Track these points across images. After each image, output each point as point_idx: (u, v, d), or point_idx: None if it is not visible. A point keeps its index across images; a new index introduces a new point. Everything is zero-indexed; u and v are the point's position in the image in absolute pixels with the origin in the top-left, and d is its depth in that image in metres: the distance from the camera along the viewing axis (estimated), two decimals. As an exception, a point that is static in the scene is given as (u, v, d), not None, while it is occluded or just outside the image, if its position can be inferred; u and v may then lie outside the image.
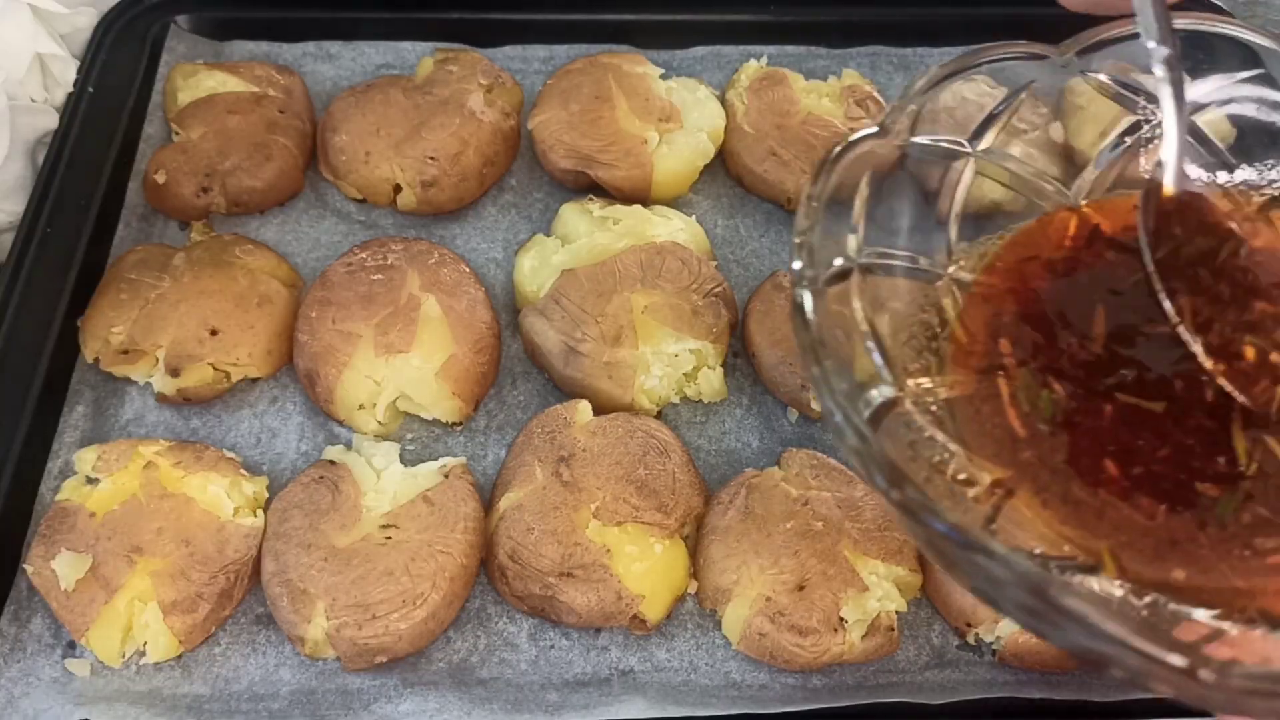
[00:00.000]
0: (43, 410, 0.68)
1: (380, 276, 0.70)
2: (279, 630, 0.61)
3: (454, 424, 0.70)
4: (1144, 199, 0.54)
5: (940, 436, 0.48)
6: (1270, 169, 0.59)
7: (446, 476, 0.64)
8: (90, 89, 0.82)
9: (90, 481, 0.63)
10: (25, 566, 0.61)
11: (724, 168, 0.83)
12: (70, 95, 0.81)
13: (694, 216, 0.77)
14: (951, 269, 0.55)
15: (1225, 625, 0.41)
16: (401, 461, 0.66)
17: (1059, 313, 0.52)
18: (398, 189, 0.78)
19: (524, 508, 0.62)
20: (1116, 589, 0.43)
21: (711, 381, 0.70)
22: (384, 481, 0.64)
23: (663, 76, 0.83)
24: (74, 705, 0.58)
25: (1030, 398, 0.49)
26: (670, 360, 0.68)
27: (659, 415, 0.70)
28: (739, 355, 0.74)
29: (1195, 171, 0.59)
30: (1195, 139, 0.59)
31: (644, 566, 0.60)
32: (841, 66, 0.88)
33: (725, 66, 0.88)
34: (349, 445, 0.67)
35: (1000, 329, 0.53)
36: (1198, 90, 0.59)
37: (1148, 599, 0.42)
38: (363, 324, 0.67)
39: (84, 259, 0.74)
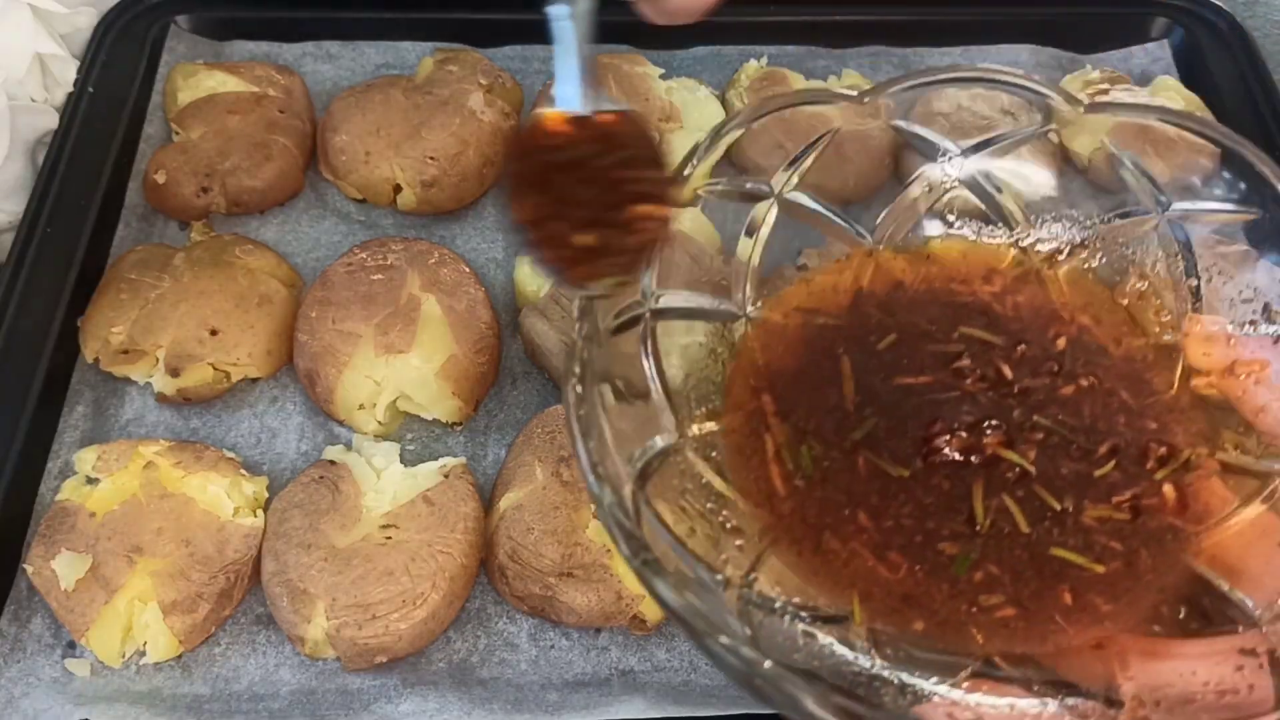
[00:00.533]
0: (43, 410, 0.68)
1: (380, 276, 0.70)
2: (279, 630, 0.61)
3: (454, 424, 0.70)
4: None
5: (716, 483, 0.49)
6: (1054, 223, 0.59)
7: (446, 476, 0.64)
8: (90, 89, 0.82)
9: (90, 481, 0.63)
10: (25, 566, 0.61)
11: (724, 168, 0.83)
12: (70, 95, 0.81)
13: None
14: (750, 309, 0.56)
15: (936, 688, 0.42)
16: (401, 461, 0.66)
17: (821, 366, 0.54)
18: (398, 189, 0.78)
19: (524, 508, 0.62)
20: (855, 648, 0.43)
21: (711, 381, 0.70)
22: (384, 481, 0.64)
23: (663, 76, 0.83)
24: (74, 705, 0.58)
25: (792, 454, 0.50)
26: (670, 360, 0.68)
27: (659, 415, 0.70)
28: (739, 355, 0.74)
29: (978, 226, 0.60)
30: (995, 190, 0.60)
31: (644, 566, 0.60)
32: (841, 66, 0.88)
33: (725, 66, 0.88)
34: (349, 445, 0.67)
35: (768, 379, 0.54)
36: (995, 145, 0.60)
37: (869, 664, 0.43)
38: (363, 324, 0.67)
39: (84, 259, 0.74)
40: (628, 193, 0.47)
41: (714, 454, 0.50)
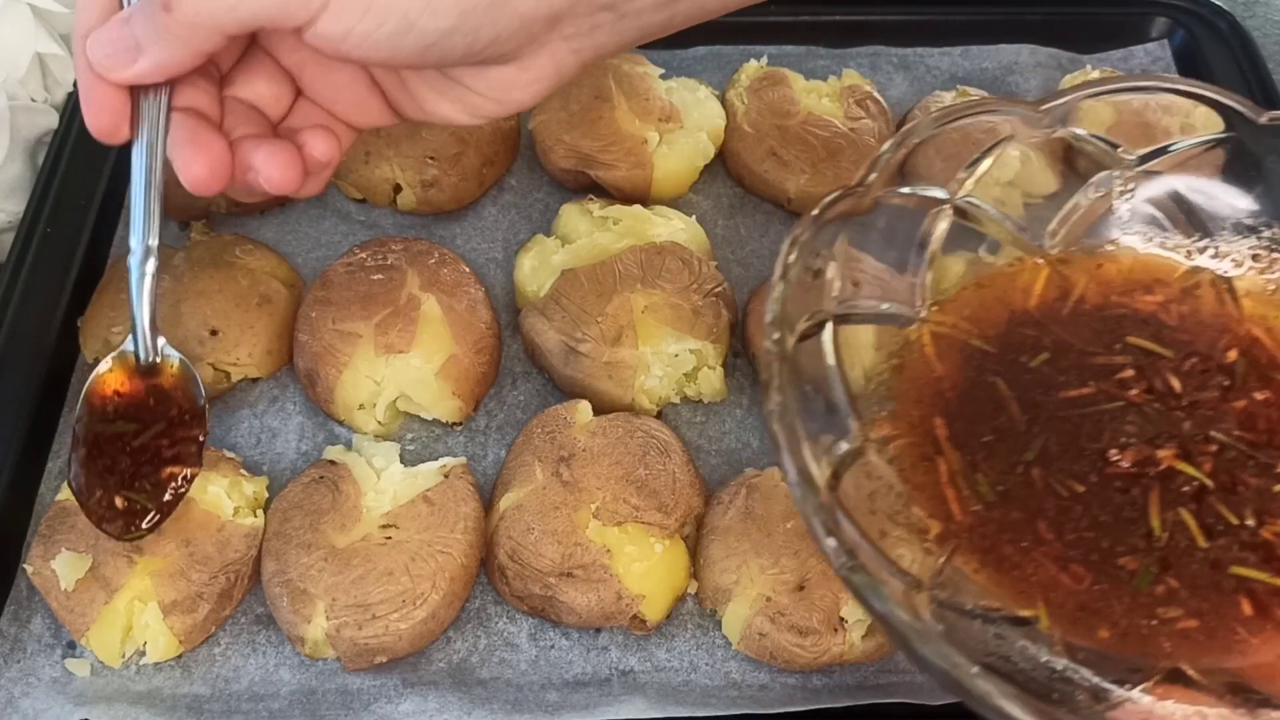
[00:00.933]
0: (43, 410, 0.68)
1: (380, 276, 0.70)
2: (279, 630, 0.61)
3: (454, 424, 0.70)
4: None
5: (899, 485, 0.50)
6: (1230, 232, 0.59)
7: (446, 476, 0.64)
8: (90, 89, 0.82)
9: (90, 481, 0.63)
10: (25, 566, 0.61)
11: (724, 168, 0.83)
12: (70, 95, 0.81)
13: (694, 216, 0.77)
14: (924, 312, 0.56)
15: (1128, 693, 0.43)
16: (401, 461, 0.66)
17: (986, 382, 0.54)
18: (398, 189, 0.78)
19: (524, 508, 0.62)
20: (1046, 650, 0.44)
21: (712, 381, 0.70)
22: (384, 481, 0.64)
23: (663, 76, 0.83)
24: (74, 705, 0.58)
25: (968, 481, 0.50)
26: (670, 360, 0.68)
27: (659, 415, 0.70)
28: (739, 355, 0.74)
29: (1150, 235, 0.60)
30: (1169, 199, 0.59)
31: (644, 566, 0.60)
32: (841, 66, 0.88)
33: (725, 66, 0.88)
34: (349, 445, 0.67)
35: (936, 394, 0.54)
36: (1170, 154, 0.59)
37: (1061, 665, 0.44)
38: (363, 324, 0.67)
39: (84, 259, 0.74)
40: (163, 457, 0.57)
41: (892, 459, 0.51)
